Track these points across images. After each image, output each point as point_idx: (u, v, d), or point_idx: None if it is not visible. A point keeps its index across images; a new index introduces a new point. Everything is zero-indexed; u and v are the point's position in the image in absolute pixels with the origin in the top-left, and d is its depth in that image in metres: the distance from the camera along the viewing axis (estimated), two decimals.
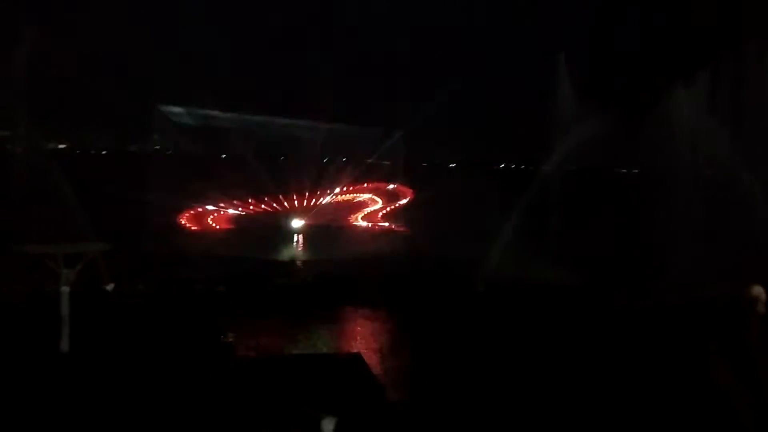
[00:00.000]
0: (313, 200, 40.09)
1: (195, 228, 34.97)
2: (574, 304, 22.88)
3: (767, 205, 24.64)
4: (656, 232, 25.57)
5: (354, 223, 39.62)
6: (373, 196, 41.73)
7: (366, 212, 40.80)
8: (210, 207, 37.62)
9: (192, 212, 36.49)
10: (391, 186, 42.04)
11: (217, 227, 36.44)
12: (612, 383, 15.75)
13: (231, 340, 15.35)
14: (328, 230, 36.69)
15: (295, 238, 36.57)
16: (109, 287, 22.79)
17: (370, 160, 44.65)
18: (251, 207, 39.50)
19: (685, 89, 26.77)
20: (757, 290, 8.69)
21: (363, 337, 21.05)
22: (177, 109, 40.73)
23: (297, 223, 37.68)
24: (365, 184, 41.56)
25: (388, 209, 41.08)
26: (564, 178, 29.44)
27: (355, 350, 19.13)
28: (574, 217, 28.29)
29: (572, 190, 28.81)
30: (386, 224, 39.27)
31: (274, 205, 39.80)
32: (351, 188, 41.19)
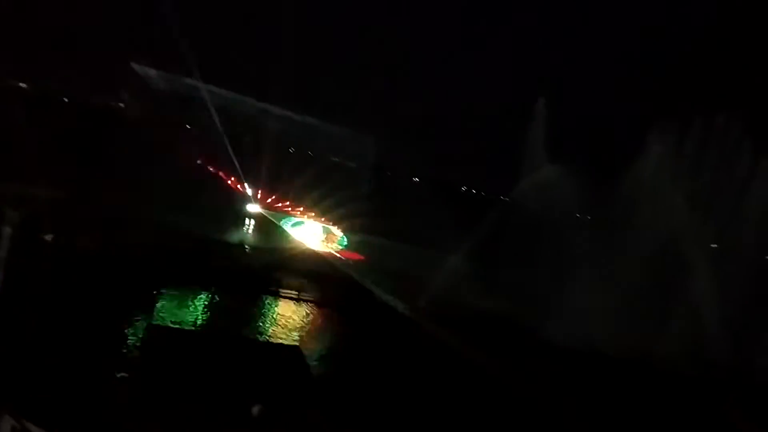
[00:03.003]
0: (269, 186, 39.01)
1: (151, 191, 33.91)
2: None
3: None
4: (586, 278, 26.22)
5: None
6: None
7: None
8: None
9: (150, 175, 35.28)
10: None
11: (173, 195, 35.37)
12: None
13: None
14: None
15: (248, 223, 35.83)
16: (48, 237, 22.13)
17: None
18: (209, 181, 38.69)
19: (655, 152, 27.50)
20: None
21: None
22: (151, 71, 39.84)
23: (253, 207, 36.85)
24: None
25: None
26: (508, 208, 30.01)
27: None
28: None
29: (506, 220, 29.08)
30: None
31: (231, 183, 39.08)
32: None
